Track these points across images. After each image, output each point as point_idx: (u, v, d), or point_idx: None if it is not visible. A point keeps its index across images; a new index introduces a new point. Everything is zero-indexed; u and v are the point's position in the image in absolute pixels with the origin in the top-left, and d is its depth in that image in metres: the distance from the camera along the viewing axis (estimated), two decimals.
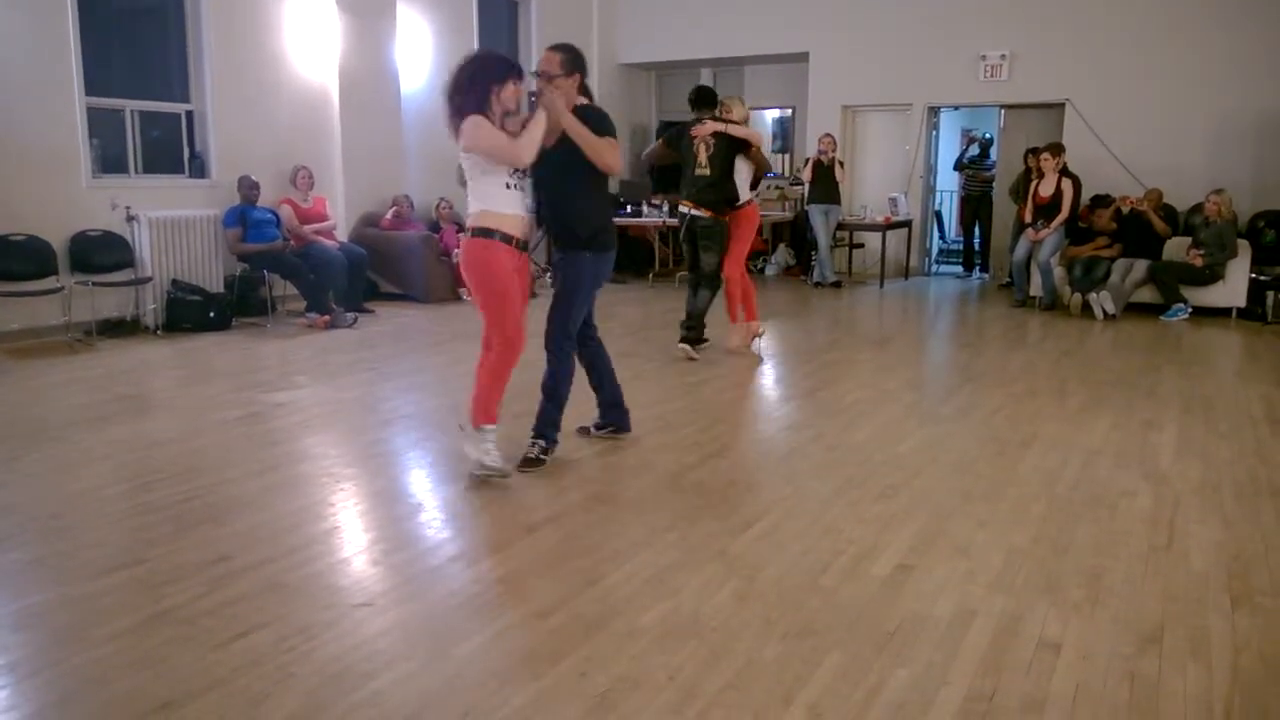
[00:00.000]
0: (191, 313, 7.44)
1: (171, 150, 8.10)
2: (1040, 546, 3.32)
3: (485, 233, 3.82)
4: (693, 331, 6.65)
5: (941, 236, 13.43)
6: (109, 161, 7.63)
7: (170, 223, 7.55)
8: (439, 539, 3.36)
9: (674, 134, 6.61)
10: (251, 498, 3.73)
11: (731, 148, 6.39)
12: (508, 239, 3.84)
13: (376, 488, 3.96)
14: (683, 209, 6.57)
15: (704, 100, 6.58)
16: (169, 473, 4.01)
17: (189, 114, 8.10)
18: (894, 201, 11.17)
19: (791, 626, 2.69)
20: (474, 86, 3.76)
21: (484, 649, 2.56)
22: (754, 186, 6.79)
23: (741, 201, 6.58)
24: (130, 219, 7.38)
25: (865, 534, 3.39)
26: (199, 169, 8.13)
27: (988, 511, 3.65)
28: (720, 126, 6.38)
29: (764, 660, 2.51)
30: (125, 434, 4.63)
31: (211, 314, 7.48)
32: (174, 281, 7.53)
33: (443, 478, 4.09)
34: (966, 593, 2.93)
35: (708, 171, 6.39)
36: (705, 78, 13.78)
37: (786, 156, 13.43)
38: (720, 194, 6.42)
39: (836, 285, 10.56)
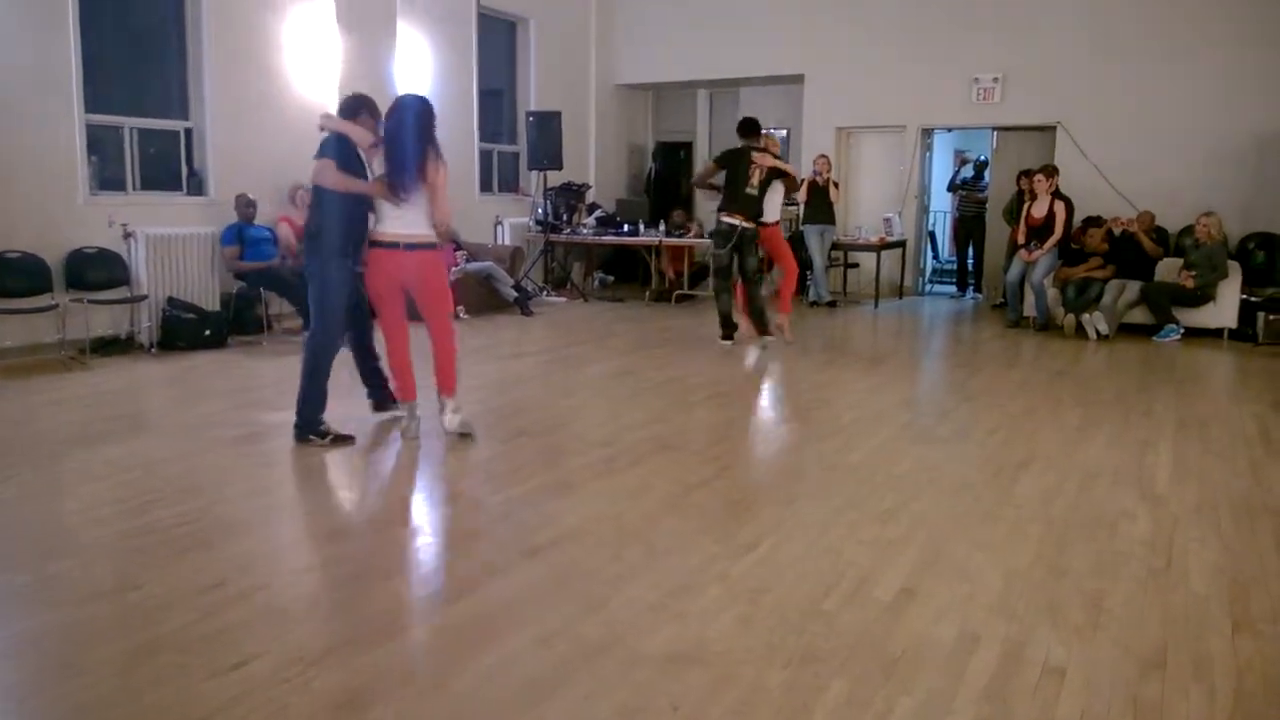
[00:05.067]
0: (187, 331, 7.41)
1: (169, 167, 8.09)
2: (1040, 569, 3.31)
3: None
4: (762, 321, 7.82)
5: (935, 257, 13.49)
6: (106, 178, 7.62)
7: (167, 240, 7.53)
8: (438, 563, 3.34)
9: (729, 156, 7.68)
10: (248, 520, 3.71)
11: (773, 176, 7.69)
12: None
13: (374, 511, 3.95)
14: (733, 221, 7.57)
15: (751, 129, 7.80)
16: (164, 494, 3.98)
17: (188, 131, 8.10)
18: (888, 222, 11.21)
19: (795, 652, 2.68)
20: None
21: (485, 677, 2.54)
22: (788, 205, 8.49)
23: (770, 220, 7.90)
24: (127, 236, 7.36)
25: (866, 556, 3.38)
26: (197, 186, 8.12)
27: (987, 533, 3.65)
28: (779, 164, 7.71)
29: (768, 687, 2.49)
30: (120, 454, 4.60)
31: (207, 332, 7.46)
32: (170, 299, 7.50)
33: (440, 500, 4.07)
34: (968, 617, 2.92)
35: (756, 192, 7.58)
36: (701, 99, 13.90)
37: None
38: (761, 210, 7.70)
39: (832, 305, 10.58)
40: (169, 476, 4.23)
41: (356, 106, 4.90)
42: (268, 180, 8.34)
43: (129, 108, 7.77)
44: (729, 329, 7.93)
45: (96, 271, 7.15)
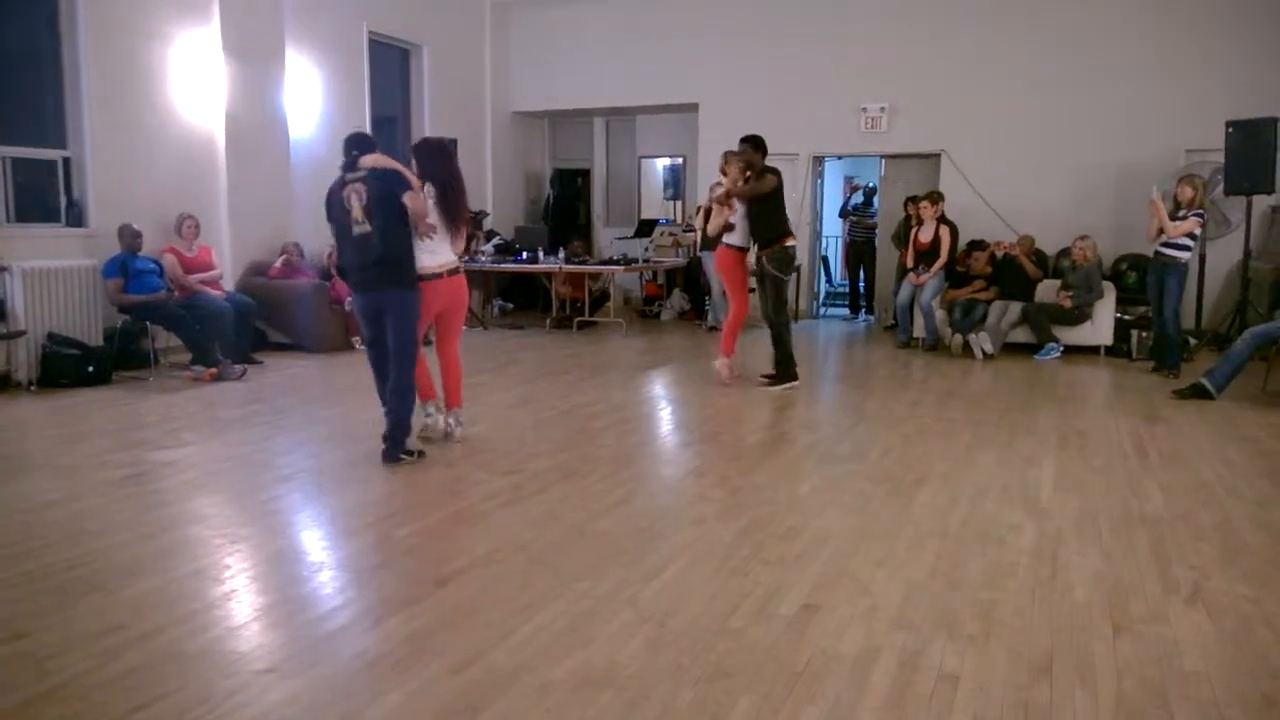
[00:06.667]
0: (68, 367, 7.10)
1: (47, 198, 7.77)
2: (936, 582, 3.44)
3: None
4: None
5: (828, 280, 13.87)
6: None
7: (45, 273, 7.21)
8: (343, 598, 3.29)
9: (778, 173, 7.19)
10: (142, 562, 3.58)
11: None
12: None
13: (275, 548, 3.86)
14: (794, 244, 7.29)
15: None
16: (51, 538, 3.82)
17: (66, 160, 7.80)
18: None
19: (704, 671, 2.73)
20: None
21: (397, 709, 2.52)
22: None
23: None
24: (1, 270, 7.04)
25: (771, 575, 3.47)
26: (77, 218, 7.82)
27: (885, 549, 3.77)
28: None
29: (679, 706, 2.54)
30: (2, 497, 4.39)
31: (90, 368, 7.16)
32: (50, 335, 7.18)
33: (344, 534, 4.01)
34: (870, 630, 3.02)
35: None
36: (598, 127, 14.04)
37: (679, 204, 13.73)
38: None
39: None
40: (56, 520, 4.06)
41: (373, 144, 5.14)
42: (152, 210, 8.10)
43: (0, 136, 7.43)
44: (792, 366, 7.32)
45: None
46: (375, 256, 4.89)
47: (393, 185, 4.88)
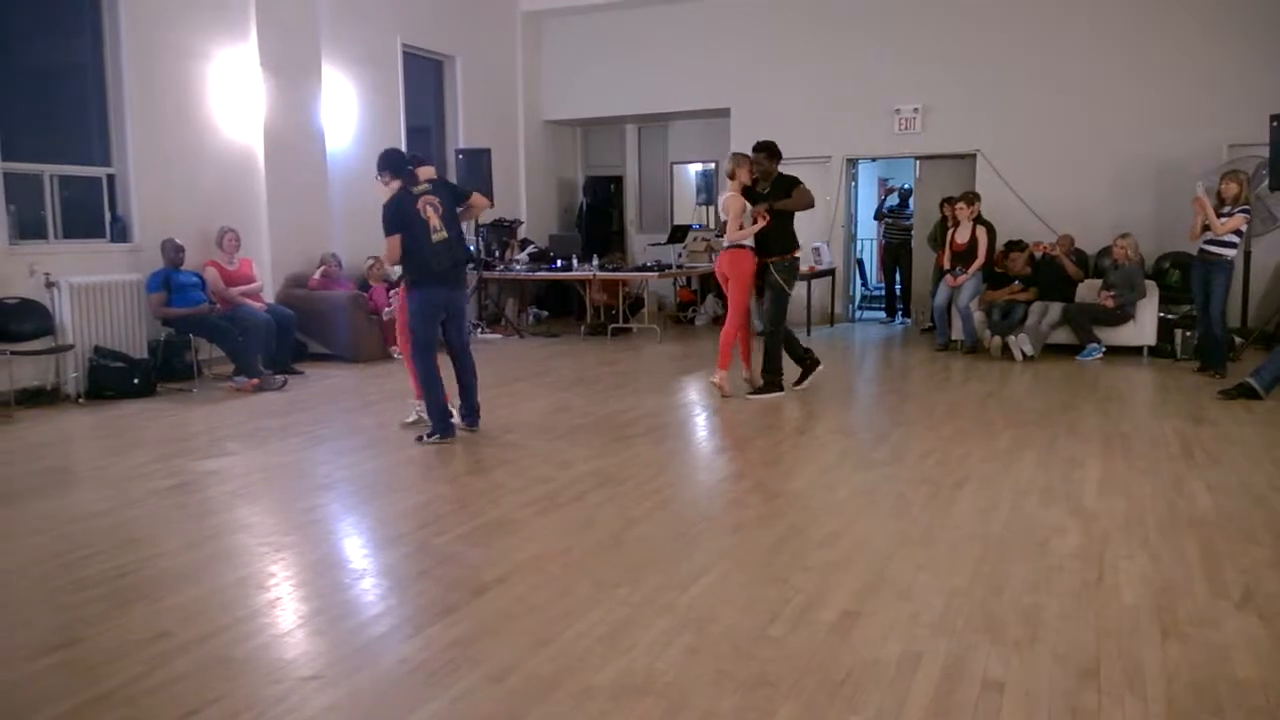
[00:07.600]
0: (115, 380, 7.24)
1: (92, 214, 7.94)
2: (978, 586, 3.40)
3: None
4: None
5: (864, 284, 13.78)
6: (27, 226, 7.44)
7: (92, 288, 7.37)
8: (385, 605, 3.32)
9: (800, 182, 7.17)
10: (189, 570, 3.64)
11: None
12: None
13: (317, 555, 3.90)
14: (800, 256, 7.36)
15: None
16: (100, 547, 3.89)
17: (110, 177, 7.96)
18: (817, 251, 11.42)
19: (745, 678, 2.72)
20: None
21: (440, 716, 2.53)
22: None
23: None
24: (50, 285, 7.20)
25: (810, 581, 3.45)
26: (121, 233, 7.98)
27: (926, 554, 3.74)
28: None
29: (720, 713, 2.53)
30: (51, 508, 4.49)
31: (135, 380, 7.30)
32: (96, 348, 7.34)
33: (385, 542, 4.04)
34: (912, 636, 2.99)
35: None
36: (630, 134, 14.08)
37: (711, 209, 13.72)
38: None
39: (762, 333, 10.69)
40: (104, 529, 4.14)
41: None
42: (194, 225, 8.24)
43: (48, 154, 7.61)
44: (779, 377, 7.20)
45: (19, 322, 6.96)
46: (459, 257, 5.50)
47: (456, 191, 5.56)
